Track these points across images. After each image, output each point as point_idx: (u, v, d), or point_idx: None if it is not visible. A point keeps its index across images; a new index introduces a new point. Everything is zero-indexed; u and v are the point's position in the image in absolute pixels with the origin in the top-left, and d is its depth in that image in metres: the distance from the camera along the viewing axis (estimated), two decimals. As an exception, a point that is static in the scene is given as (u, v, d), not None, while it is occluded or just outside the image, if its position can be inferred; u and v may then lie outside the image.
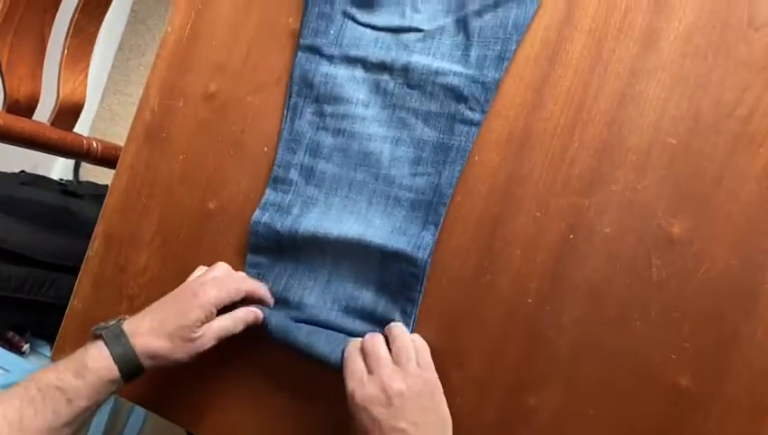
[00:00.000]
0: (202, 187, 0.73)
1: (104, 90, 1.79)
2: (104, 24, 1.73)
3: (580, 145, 0.62)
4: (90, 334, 0.61)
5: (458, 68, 0.64)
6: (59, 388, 0.57)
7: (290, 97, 0.70)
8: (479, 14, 0.64)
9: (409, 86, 0.66)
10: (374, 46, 0.67)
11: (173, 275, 0.73)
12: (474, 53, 0.64)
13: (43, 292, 1.14)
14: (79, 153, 0.90)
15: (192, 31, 0.76)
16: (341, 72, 0.68)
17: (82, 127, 1.78)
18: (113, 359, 0.58)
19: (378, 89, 0.67)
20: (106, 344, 0.58)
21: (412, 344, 0.61)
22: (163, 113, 0.75)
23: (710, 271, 0.59)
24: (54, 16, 0.81)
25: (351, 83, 0.67)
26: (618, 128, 0.62)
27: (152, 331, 0.59)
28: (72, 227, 1.21)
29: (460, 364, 0.64)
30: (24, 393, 0.56)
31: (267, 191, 0.70)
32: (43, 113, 0.89)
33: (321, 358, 0.63)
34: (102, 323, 0.61)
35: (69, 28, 0.85)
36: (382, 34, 0.67)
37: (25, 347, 1.20)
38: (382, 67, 0.66)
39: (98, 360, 0.58)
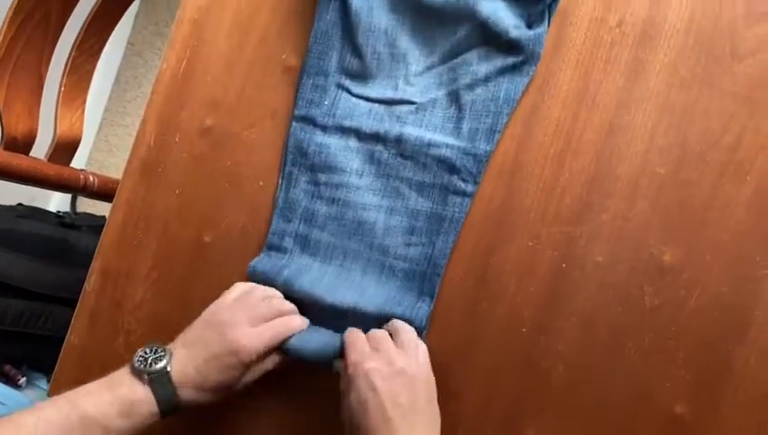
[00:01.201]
0: (198, 221, 0.74)
1: (101, 121, 1.80)
2: (101, 56, 1.76)
3: (571, 175, 0.63)
4: (132, 365, 0.59)
5: (450, 140, 0.65)
6: (102, 426, 0.56)
7: (284, 166, 0.71)
8: (470, 87, 0.65)
9: (403, 157, 0.67)
10: (367, 117, 0.68)
11: (169, 310, 0.73)
12: (465, 126, 0.65)
13: (40, 325, 1.14)
14: (76, 188, 0.91)
15: (187, 67, 0.77)
16: (336, 142, 0.69)
17: (80, 158, 1.79)
18: (158, 405, 0.58)
19: (372, 159, 0.68)
20: (153, 391, 0.58)
21: (416, 338, 0.60)
22: (159, 148, 0.76)
23: (702, 298, 0.59)
24: (51, 55, 0.83)
25: (346, 153, 0.68)
26: (606, 158, 0.63)
27: (196, 385, 0.60)
28: (69, 258, 1.21)
29: (457, 395, 0.64)
30: (64, 420, 0.55)
31: (261, 256, 0.70)
32: (40, 148, 0.90)
33: (316, 352, 0.63)
34: (149, 356, 0.60)
35: (66, 66, 0.86)
36: (375, 106, 0.68)
37: (22, 380, 1.19)
38: (375, 138, 0.67)
39: (143, 405, 0.58)
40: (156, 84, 0.77)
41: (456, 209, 0.64)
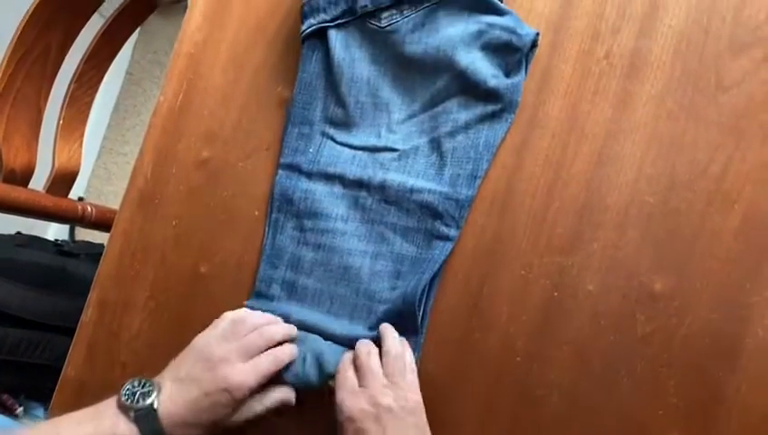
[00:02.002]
0: (194, 251, 0.75)
1: (100, 149, 1.82)
2: (100, 86, 1.77)
3: (561, 204, 0.64)
4: (119, 399, 0.59)
5: (433, 186, 0.66)
6: None
7: (271, 213, 0.72)
8: (451, 135, 0.66)
9: (387, 202, 0.68)
10: (351, 164, 0.69)
11: (166, 341, 0.73)
12: (447, 172, 0.66)
13: (38, 354, 1.14)
14: (74, 219, 0.91)
15: (184, 100, 0.78)
16: (321, 189, 0.70)
17: (78, 186, 1.80)
18: None
19: (356, 205, 0.69)
20: (139, 429, 0.57)
21: (405, 359, 0.60)
22: (156, 180, 0.77)
23: (693, 326, 0.60)
24: (50, 89, 0.84)
25: (331, 199, 0.69)
26: (596, 187, 0.64)
27: (186, 422, 0.58)
28: (68, 287, 1.21)
29: (452, 424, 0.64)
30: None
31: (250, 302, 0.71)
32: (38, 179, 0.91)
33: (308, 384, 0.63)
34: (136, 390, 0.59)
35: (64, 99, 0.87)
36: (359, 153, 0.70)
37: (19, 410, 1.19)
38: (359, 184, 0.69)
39: None
40: (153, 117, 0.79)
41: (438, 252, 0.65)
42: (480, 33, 0.65)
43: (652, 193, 0.62)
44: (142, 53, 1.83)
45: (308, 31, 0.69)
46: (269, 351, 0.63)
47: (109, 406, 0.59)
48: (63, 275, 1.24)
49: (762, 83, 0.62)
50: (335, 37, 0.69)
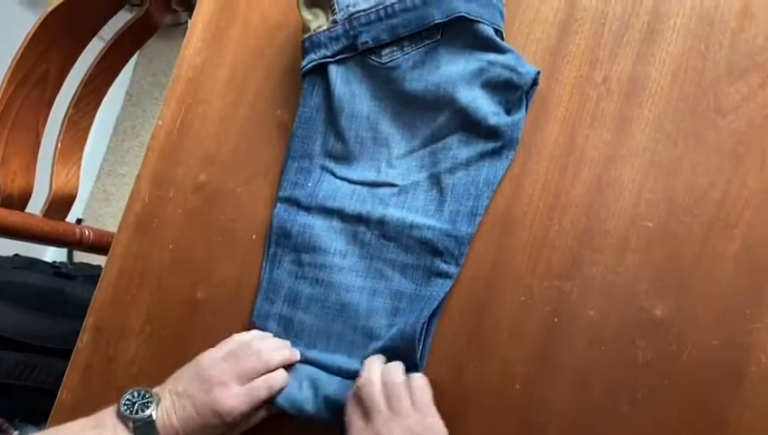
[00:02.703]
0: (191, 276, 0.74)
1: (99, 170, 1.82)
2: (100, 107, 1.78)
3: (560, 229, 0.64)
4: (119, 408, 0.59)
5: (432, 222, 0.65)
6: None
7: (268, 247, 0.71)
8: (451, 171, 0.66)
9: (386, 238, 0.67)
10: (350, 199, 0.69)
11: (162, 366, 0.72)
12: (447, 209, 0.66)
13: (35, 376, 1.13)
14: (71, 242, 0.91)
15: (183, 123, 0.78)
16: (319, 223, 0.69)
17: (77, 207, 1.81)
18: None
19: (355, 239, 0.68)
20: None
21: (402, 385, 0.58)
22: (153, 203, 0.77)
23: (694, 353, 0.59)
24: (49, 113, 0.84)
25: (329, 233, 0.69)
26: (595, 212, 0.63)
27: None
28: (65, 309, 1.20)
29: (451, 452, 0.63)
30: None
31: None
32: (36, 203, 0.91)
33: (300, 410, 0.63)
34: (136, 400, 0.60)
35: (63, 123, 0.87)
36: (358, 188, 0.69)
37: (14, 434, 1.18)
38: (359, 219, 0.68)
39: None
40: (151, 141, 0.79)
41: (437, 289, 0.64)
42: (481, 71, 0.65)
43: (651, 218, 0.62)
44: (142, 75, 1.84)
45: (309, 66, 0.69)
46: (263, 376, 0.63)
47: (109, 415, 0.60)
48: (61, 297, 1.23)
49: (760, 108, 0.62)
50: (336, 72, 0.68)
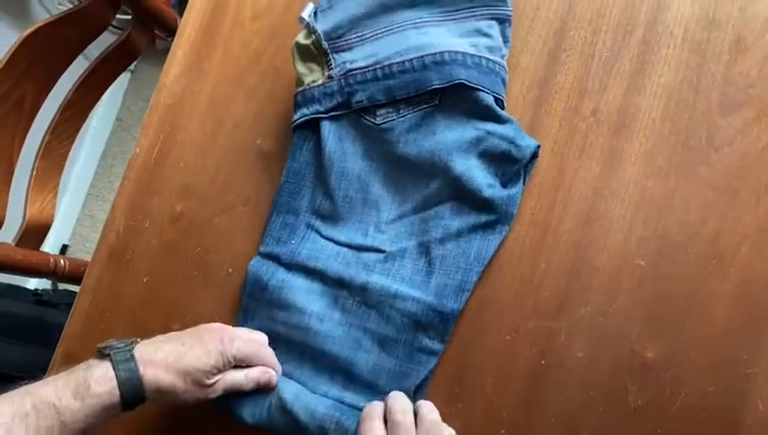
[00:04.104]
0: (165, 310, 0.71)
1: (87, 196, 1.80)
2: (89, 130, 1.76)
3: (548, 266, 0.61)
4: (95, 350, 0.56)
5: (417, 294, 0.62)
6: (56, 407, 0.51)
7: (242, 299, 0.68)
8: (442, 242, 0.63)
9: (367, 305, 0.63)
10: (334, 260, 0.65)
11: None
12: (434, 281, 0.62)
13: (11, 408, 1.09)
14: (46, 272, 0.88)
15: (160, 152, 0.75)
16: (299, 282, 0.66)
17: (64, 232, 1.78)
18: (118, 385, 0.53)
19: (335, 304, 0.64)
20: (113, 367, 0.54)
21: (403, 418, 0.55)
22: (128, 235, 0.74)
23: (688, 399, 0.56)
24: (24, 139, 0.81)
25: (308, 294, 0.65)
26: (584, 249, 0.61)
27: (166, 365, 0.55)
28: (45, 338, 1.17)
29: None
30: (18, 407, 0.51)
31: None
32: (9, 230, 0.88)
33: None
34: (114, 342, 0.56)
35: (39, 149, 0.85)
36: (344, 250, 0.66)
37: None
38: (340, 283, 0.64)
39: (101, 383, 0.53)
40: (127, 170, 0.76)
41: (421, 367, 0.60)
42: (478, 141, 0.62)
43: (643, 256, 0.60)
44: (133, 100, 1.83)
45: (301, 120, 0.66)
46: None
47: (86, 361, 0.56)
48: (41, 325, 1.20)
49: (754, 142, 0.60)
50: (328, 128, 0.66)
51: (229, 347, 0.58)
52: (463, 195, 0.62)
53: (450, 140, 0.62)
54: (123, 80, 1.83)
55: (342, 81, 0.65)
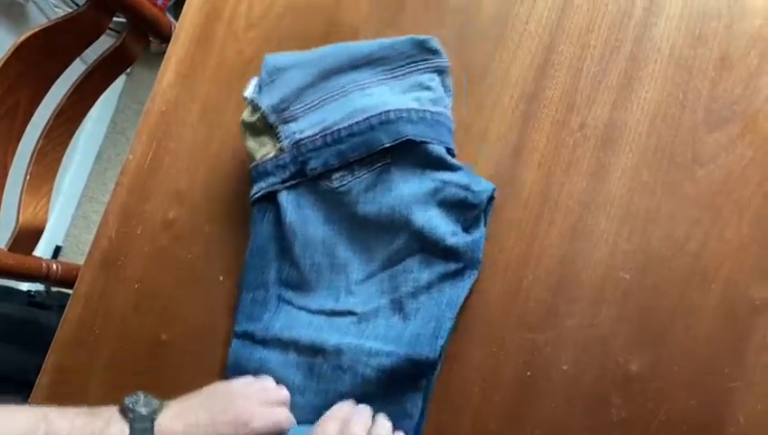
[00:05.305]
0: (156, 316, 0.72)
1: (80, 197, 1.80)
2: (84, 133, 1.76)
3: (534, 278, 0.62)
4: (121, 403, 0.56)
5: (391, 347, 0.61)
6: None
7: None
8: (413, 295, 0.63)
9: (342, 369, 0.62)
10: (307, 328, 0.65)
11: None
12: (408, 332, 0.62)
13: (3, 410, 1.10)
14: (38, 277, 0.88)
15: (153, 158, 0.76)
16: (275, 358, 0.65)
17: (57, 234, 1.78)
18: None
19: (312, 373, 0.64)
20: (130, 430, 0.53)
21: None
22: (120, 241, 0.75)
23: (671, 413, 0.57)
24: (17, 145, 0.82)
25: (286, 369, 0.64)
26: (570, 262, 0.62)
27: None
28: (37, 341, 1.17)
29: (418, 511, 0.61)
30: (32, 428, 0.51)
31: None
32: (2, 235, 0.88)
33: None
34: (141, 399, 0.56)
35: (32, 154, 0.85)
36: (316, 317, 0.66)
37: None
38: (313, 350, 0.64)
39: None
40: (120, 176, 0.77)
41: (405, 421, 0.60)
42: (435, 191, 0.62)
43: (628, 269, 0.60)
44: (127, 103, 1.83)
45: (258, 195, 0.66)
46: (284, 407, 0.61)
47: (108, 409, 0.56)
48: (33, 327, 1.20)
49: (738, 159, 0.61)
50: (286, 198, 0.66)
51: (245, 430, 0.56)
52: (428, 246, 0.62)
53: (408, 194, 0.63)
54: (118, 82, 1.84)
55: (294, 151, 0.65)
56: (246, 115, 0.67)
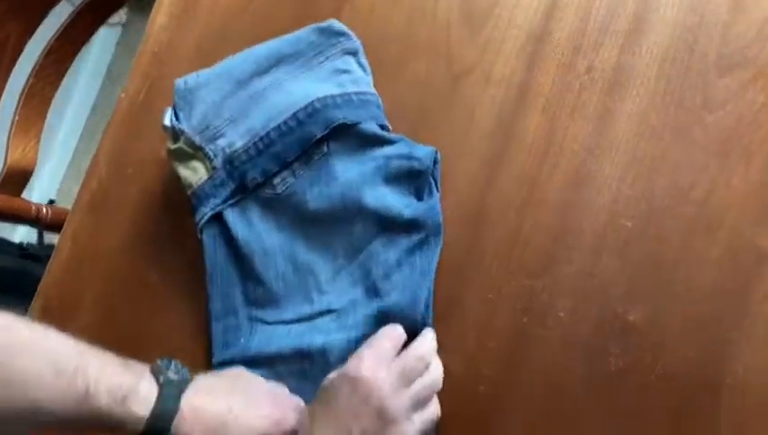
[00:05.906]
0: (146, 257, 0.70)
1: (75, 150, 1.77)
2: (79, 84, 1.73)
3: (535, 224, 0.61)
4: (154, 364, 0.54)
5: (377, 328, 0.59)
6: (87, 389, 0.50)
7: None
8: (386, 277, 0.61)
9: (332, 366, 0.59)
10: (286, 338, 0.63)
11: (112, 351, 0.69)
12: (389, 310, 0.60)
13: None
14: (27, 219, 0.87)
15: (146, 98, 0.74)
16: (263, 374, 0.62)
17: (51, 186, 1.76)
18: (149, 417, 0.50)
19: (305, 376, 0.62)
20: (157, 399, 0.51)
21: (423, 368, 0.55)
22: (111, 181, 0.73)
23: (668, 365, 0.56)
24: (6, 81, 0.79)
25: (278, 380, 0.62)
26: (572, 208, 0.60)
27: (204, 430, 0.52)
28: (30, 292, 1.16)
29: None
30: (70, 355, 0.51)
31: None
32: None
33: None
34: (173, 365, 0.54)
35: (21, 94, 0.83)
36: (294, 326, 0.64)
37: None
38: (300, 356, 0.62)
39: (137, 403, 0.51)
40: (113, 115, 0.75)
41: None
42: (379, 169, 0.61)
43: (630, 217, 0.59)
44: (124, 53, 1.79)
45: (203, 220, 0.64)
46: None
47: (140, 364, 0.54)
48: (24, 278, 1.19)
49: (749, 105, 0.59)
50: (232, 217, 0.64)
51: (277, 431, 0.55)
52: (387, 224, 0.61)
53: (353, 178, 0.61)
54: (113, 33, 1.80)
55: (228, 166, 0.63)
56: (170, 144, 0.65)
